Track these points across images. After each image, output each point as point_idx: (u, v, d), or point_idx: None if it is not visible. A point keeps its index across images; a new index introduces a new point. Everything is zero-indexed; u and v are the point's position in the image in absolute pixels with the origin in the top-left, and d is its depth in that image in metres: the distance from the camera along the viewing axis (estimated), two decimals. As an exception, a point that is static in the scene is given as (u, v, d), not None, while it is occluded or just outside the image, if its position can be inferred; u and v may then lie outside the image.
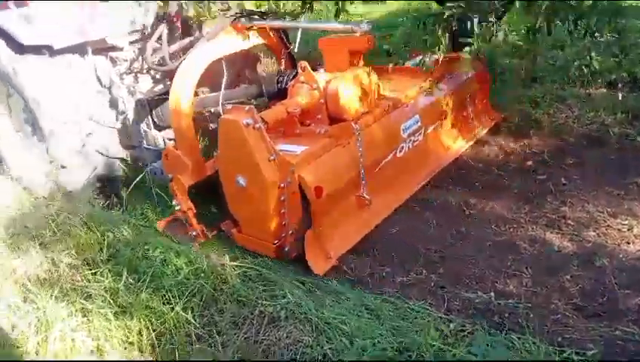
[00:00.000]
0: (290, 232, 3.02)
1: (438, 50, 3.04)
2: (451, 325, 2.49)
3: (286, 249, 3.05)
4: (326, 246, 3.02)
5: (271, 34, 3.78)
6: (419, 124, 3.69)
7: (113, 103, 4.02)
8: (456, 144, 4.17)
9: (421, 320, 2.54)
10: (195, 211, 3.38)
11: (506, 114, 4.58)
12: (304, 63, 3.33)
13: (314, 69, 3.33)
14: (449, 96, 4.02)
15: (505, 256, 2.97)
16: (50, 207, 3.44)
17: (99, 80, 4.00)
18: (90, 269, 2.90)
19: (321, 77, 3.31)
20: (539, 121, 4.47)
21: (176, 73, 3.45)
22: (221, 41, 3.56)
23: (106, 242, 3.08)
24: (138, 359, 2.41)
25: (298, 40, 3.63)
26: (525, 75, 5.09)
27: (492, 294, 2.70)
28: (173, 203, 3.38)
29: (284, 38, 3.94)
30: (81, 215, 3.31)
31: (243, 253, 3.14)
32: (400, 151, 3.57)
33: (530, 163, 3.97)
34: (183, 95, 3.35)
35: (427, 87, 3.73)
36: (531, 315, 2.51)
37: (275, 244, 3.03)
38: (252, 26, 3.59)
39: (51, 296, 2.66)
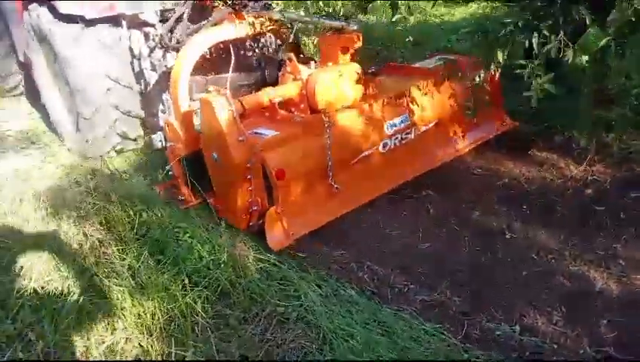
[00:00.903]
0: (255, 208, 3.19)
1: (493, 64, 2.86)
2: (465, 355, 2.36)
3: (251, 223, 3.24)
4: (286, 226, 3.12)
5: (271, 23, 3.85)
6: (408, 122, 3.73)
7: (140, 73, 4.38)
8: (453, 146, 4.07)
9: (434, 345, 2.42)
10: (186, 178, 3.62)
11: (575, 135, 4.22)
12: (291, 55, 3.55)
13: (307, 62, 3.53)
14: (448, 98, 3.99)
15: (539, 289, 2.76)
16: (93, 180, 3.56)
17: (131, 51, 4.34)
18: (118, 246, 2.98)
19: (306, 69, 3.50)
20: (607, 146, 4.12)
21: (178, 54, 3.76)
22: (223, 28, 3.77)
23: (137, 221, 3.15)
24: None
25: (294, 31, 3.80)
26: (600, 96, 4.71)
27: (517, 328, 2.52)
28: (167, 167, 3.68)
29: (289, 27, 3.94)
30: (119, 192, 3.40)
31: (268, 248, 3.12)
32: (384, 147, 3.62)
33: (589, 191, 3.66)
34: (181, 74, 3.58)
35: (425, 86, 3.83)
36: (555, 358, 2.32)
37: (241, 218, 3.23)
38: (253, 15, 3.75)
39: (74, 267, 2.76)
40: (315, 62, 3.72)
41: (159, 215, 3.29)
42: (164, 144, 3.79)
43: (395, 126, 3.66)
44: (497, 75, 3.98)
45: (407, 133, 3.74)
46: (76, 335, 2.40)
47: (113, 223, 3.16)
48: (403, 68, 4.27)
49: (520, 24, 3.06)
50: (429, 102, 3.87)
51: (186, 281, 2.69)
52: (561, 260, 2.98)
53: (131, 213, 3.22)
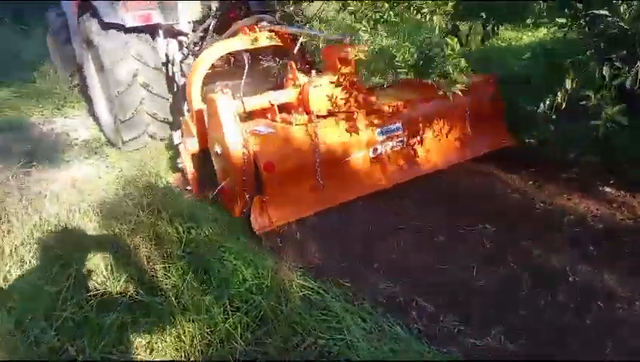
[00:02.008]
0: (248, 196, 3.51)
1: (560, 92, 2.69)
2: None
3: (244, 210, 3.55)
4: (270, 213, 3.46)
5: (279, 36, 4.20)
6: (400, 131, 3.99)
7: (172, 78, 4.89)
8: (445, 157, 4.25)
9: (484, 395, 2.24)
10: (194, 171, 4.09)
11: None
12: (292, 63, 3.96)
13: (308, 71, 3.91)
14: (444, 111, 4.16)
15: (604, 341, 2.52)
16: (146, 195, 3.61)
17: (166, 57, 4.88)
18: (164, 263, 2.98)
19: (303, 76, 3.87)
20: (687, 186, 3.78)
21: (194, 62, 4.24)
22: (234, 40, 4.19)
23: (185, 239, 3.15)
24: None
25: (299, 44, 4.13)
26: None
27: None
28: (177, 161, 4.23)
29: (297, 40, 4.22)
30: (169, 208, 3.42)
31: (312, 274, 3.04)
32: (374, 152, 3.91)
33: (664, 234, 3.36)
34: (195, 78, 4.07)
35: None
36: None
37: (236, 205, 3.59)
38: (262, 29, 4.12)
39: (119, 282, 2.78)
40: (317, 70, 4.08)
41: (207, 233, 3.28)
42: (181, 140, 4.25)
43: (387, 133, 3.94)
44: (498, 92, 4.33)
45: (399, 142, 4.01)
46: (115, 353, 2.39)
47: (162, 239, 3.17)
48: (413, 82, 4.33)
49: (591, 52, 2.88)
50: (425, 114, 4.11)
51: (228, 306, 2.65)
52: (631, 310, 2.72)
53: (180, 230, 3.23)
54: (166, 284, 2.85)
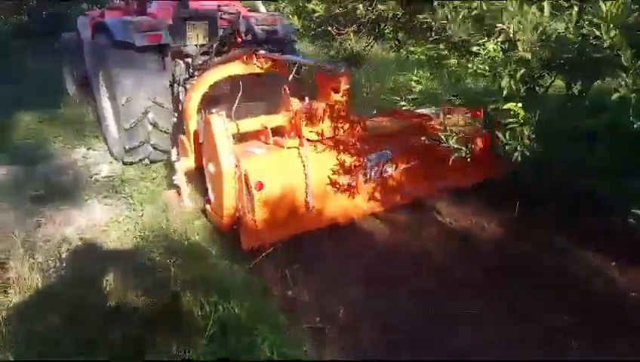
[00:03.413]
0: (238, 215, 3.66)
1: None
2: None
3: (234, 227, 3.71)
4: (258, 231, 3.55)
5: (275, 64, 4.31)
6: (389, 158, 4.14)
7: (177, 96, 5.09)
8: (433, 185, 4.36)
9: None
10: (186, 187, 4.34)
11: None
12: (285, 89, 4.01)
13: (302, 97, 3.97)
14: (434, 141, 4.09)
15: None
16: (166, 255, 3.16)
17: (172, 77, 5.09)
18: (187, 351, 2.51)
19: (297, 102, 3.96)
20: None
21: (191, 85, 4.59)
22: (231, 65, 4.38)
23: (211, 319, 2.68)
24: None
25: (293, 71, 4.23)
26: None
27: None
28: (173, 177, 4.37)
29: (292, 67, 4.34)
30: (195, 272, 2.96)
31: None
32: (363, 176, 4.05)
33: None
34: (192, 101, 4.29)
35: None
36: None
37: (226, 221, 3.72)
38: (259, 56, 4.23)
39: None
40: (310, 97, 4.08)
41: (237, 310, 2.80)
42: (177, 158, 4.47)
43: (375, 160, 4.08)
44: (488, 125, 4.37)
45: (388, 168, 4.16)
46: None
47: (183, 317, 2.70)
48: (401, 112, 4.50)
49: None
50: (412, 143, 4.26)
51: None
52: None
53: (207, 307, 2.76)
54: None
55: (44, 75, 8.17)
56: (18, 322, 2.76)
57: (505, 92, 2.60)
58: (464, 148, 2.97)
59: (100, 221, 4.18)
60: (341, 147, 3.96)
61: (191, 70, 5.04)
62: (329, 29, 3.67)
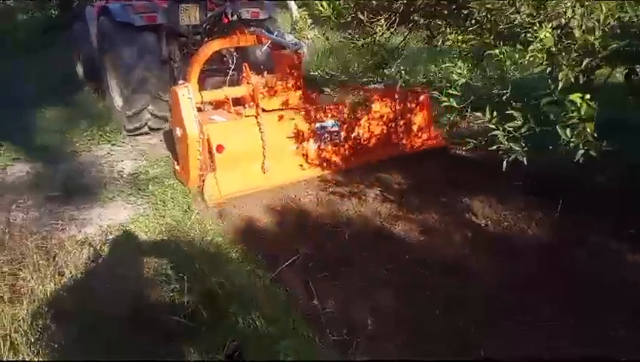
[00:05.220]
0: (200, 173, 4.24)
1: None
2: None
3: (199, 185, 4.27)
4: (219, 187, 4.11)
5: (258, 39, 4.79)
6: (337, 127, 4.69)
7: (172, 71, 5.82)
8: (378, 151, 4.91)
9: None
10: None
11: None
12: (246, 65, 4.71)
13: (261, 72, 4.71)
14: (381, 113, 4.88)
15: None
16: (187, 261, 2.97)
17: (169, 53, 5.76)
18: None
19: (255, 76, 4.59)
20: None
21: (191, 57, 5.05)
22: (222, 39, 4.92)
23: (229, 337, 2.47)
24: None
25: (265, 47, 4.78)
26: None
27: None
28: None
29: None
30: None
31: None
32: (315, 143, 4.59)
33: None
34: (193, 70, 4.76)
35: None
36: None
37: (193, 180, 4.32)
38: (250, 32, 4.75)
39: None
40: (268, 71, 4.78)
41: (259, 323, 2.60)
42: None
43: (326, 128, 4.63)
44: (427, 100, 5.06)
45: (336, 135, 4.69)
46: None
47: (201, 332, 2.51)
48: (356, 87, 5.27)
49: None
50: (361, 114, 4.78)
51: None
52: None
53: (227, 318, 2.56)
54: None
55: (71, 68, 8.12)
56: (32, 333, 2.61)
57: (561, 84, 2.32)
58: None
59: (122, 220, 4.05)
60: (294, 116, 4.50)
61: (185, 50, 5.79)
62: (360, 16, 3.39)
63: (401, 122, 4.99)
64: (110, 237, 3.77)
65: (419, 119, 5.09)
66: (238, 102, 4.65)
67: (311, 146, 4.56)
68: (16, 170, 5.06)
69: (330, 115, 4.66)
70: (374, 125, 4.85)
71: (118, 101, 6.01)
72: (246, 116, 4.35)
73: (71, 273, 3.12)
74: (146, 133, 5.92)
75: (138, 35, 5.45)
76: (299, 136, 4.48)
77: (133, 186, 4.71)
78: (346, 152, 4.75)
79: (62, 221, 4.02)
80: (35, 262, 3.17)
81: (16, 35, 12.16)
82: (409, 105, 5.00)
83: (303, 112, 4.54)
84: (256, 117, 4.30)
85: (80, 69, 7.75)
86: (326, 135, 4.63)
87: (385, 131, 4.93)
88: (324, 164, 4.64)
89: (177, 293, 2.79)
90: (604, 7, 2.27)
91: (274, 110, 4.48)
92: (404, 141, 5.02)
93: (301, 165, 4.54)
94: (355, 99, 4.80)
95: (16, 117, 6.55)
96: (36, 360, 2.47)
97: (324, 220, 3.99)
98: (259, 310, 2.62)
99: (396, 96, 4.89)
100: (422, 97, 5.07)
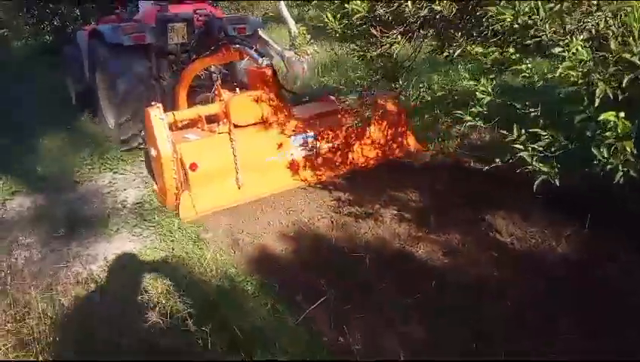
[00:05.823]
0: (177, 191, 4.29)
1: None
2: None
3: (176, 202, 4.31)
4: (194, 205, 4.23)
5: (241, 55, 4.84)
6: (313, 139, 4.79)
7: (162, 89, 5.92)
8: (354, 162, 5.06)
9: None
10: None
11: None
12: (218, 81, 4.81)
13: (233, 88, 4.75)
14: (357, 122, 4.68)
15: None
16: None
17: (157, 72, 5.91)
18: None
19: (228, 92, 4.63)
20: None
21: (180, 74, 5.45)
22: (208, 58, 5.06)
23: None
24: None
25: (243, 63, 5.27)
26: None
27: None
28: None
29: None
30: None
31: None
32: (290, 156, 4.70)
33: None
34: (182, 86, 5.25)
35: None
36: None
37: (170, 198, 4.36)
38: (235, 49, 4.75)
39: None
40: (241, 88, 4.83)
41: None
42: None
43: (301, 140, 4.73)
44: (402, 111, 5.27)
45: (312, 148, 4.79)
46: None
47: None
48: (326, 98, 5.08)
49: None
50: (338, 125, 4.86)
51: None
52: None
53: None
54: None
55: (66, 93, 7.97)
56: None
57: (597, 101, 2.16)
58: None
59: (129, 254, 3.87)
60: (267, 130, 4.62)
61: (174, 67, 5.93)
62: (371, 30, 3.23)
63: (375, 129, 5.13)
64: (116, 275, 3.59)
65: (394, 125, 5.23)
66: (212, 120, 4.67)
67: (286, 158, 4.68)
68: (16, 205, 4.88)
69: (304, 127, 4.75)
70: (349, 135, 4.96)
71: (110, 121, 6.23)
72: (219, 133, 4.40)
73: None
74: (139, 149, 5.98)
75: (128, 55, 5.62)
76: (272, 150, 4.60)
77: (138, 216, 4.52)
78: (321, 163, 4.87)
79: (66, 261, 3.83)
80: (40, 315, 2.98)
81: (12, 62, 12.08)
82: (381, 111, 5.06)
83: (276, 126, 4.65)
84: (229, 133, 4.38)
85: (72, 92, 7.75)
86: (300, 147, 4.74)
87: (360, 140, 5.05)
88: (300, 176, 4.75)
89: (200, 347, 2.60)
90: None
91: (248, 125, 4.56)
92: (381, 149, 5.18)
93: (276, 178, 4.63)
94: (328, 109, 4.83)
95: (16, 144, 6.39)
96: (41, 359, 2.50)
97: (341, 244, 3.82)
98: (286, 355, 2.44)
99: (367, 103, 4.59)
100: (392, 103, 5.18)
